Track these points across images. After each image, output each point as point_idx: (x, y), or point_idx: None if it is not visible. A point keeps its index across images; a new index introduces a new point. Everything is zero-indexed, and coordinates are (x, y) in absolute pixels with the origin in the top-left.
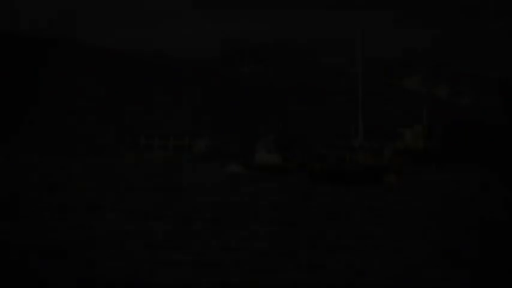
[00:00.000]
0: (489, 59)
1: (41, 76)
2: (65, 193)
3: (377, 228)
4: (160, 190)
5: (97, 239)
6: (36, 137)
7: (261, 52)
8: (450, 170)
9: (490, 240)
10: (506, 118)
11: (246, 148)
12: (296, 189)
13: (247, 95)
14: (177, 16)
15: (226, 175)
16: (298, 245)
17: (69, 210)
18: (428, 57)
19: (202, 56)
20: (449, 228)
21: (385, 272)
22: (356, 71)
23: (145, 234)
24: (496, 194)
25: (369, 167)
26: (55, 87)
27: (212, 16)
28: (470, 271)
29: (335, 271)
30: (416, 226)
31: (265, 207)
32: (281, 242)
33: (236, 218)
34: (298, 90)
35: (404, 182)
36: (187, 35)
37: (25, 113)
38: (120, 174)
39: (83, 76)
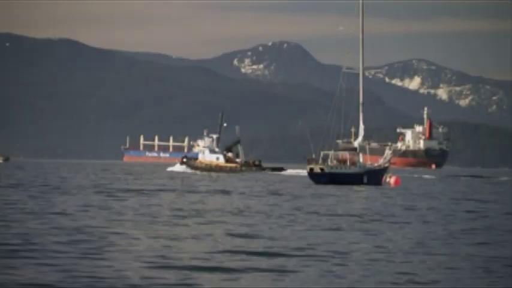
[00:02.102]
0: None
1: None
2: None
3: None
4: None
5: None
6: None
7: (260, 52)
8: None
9: None
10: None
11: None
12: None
13: (245, 95)
14: (177, 17)
15: (168, 174)
16: None
17: None
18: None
19: (202, 57)
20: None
21: None
22: (356, 71)
23: None
24: None
25: (369, 168)
26: (52, 87)
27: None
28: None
29: None
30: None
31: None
32: None
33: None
34: (297, 90)
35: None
36: (187, 36)
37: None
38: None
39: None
